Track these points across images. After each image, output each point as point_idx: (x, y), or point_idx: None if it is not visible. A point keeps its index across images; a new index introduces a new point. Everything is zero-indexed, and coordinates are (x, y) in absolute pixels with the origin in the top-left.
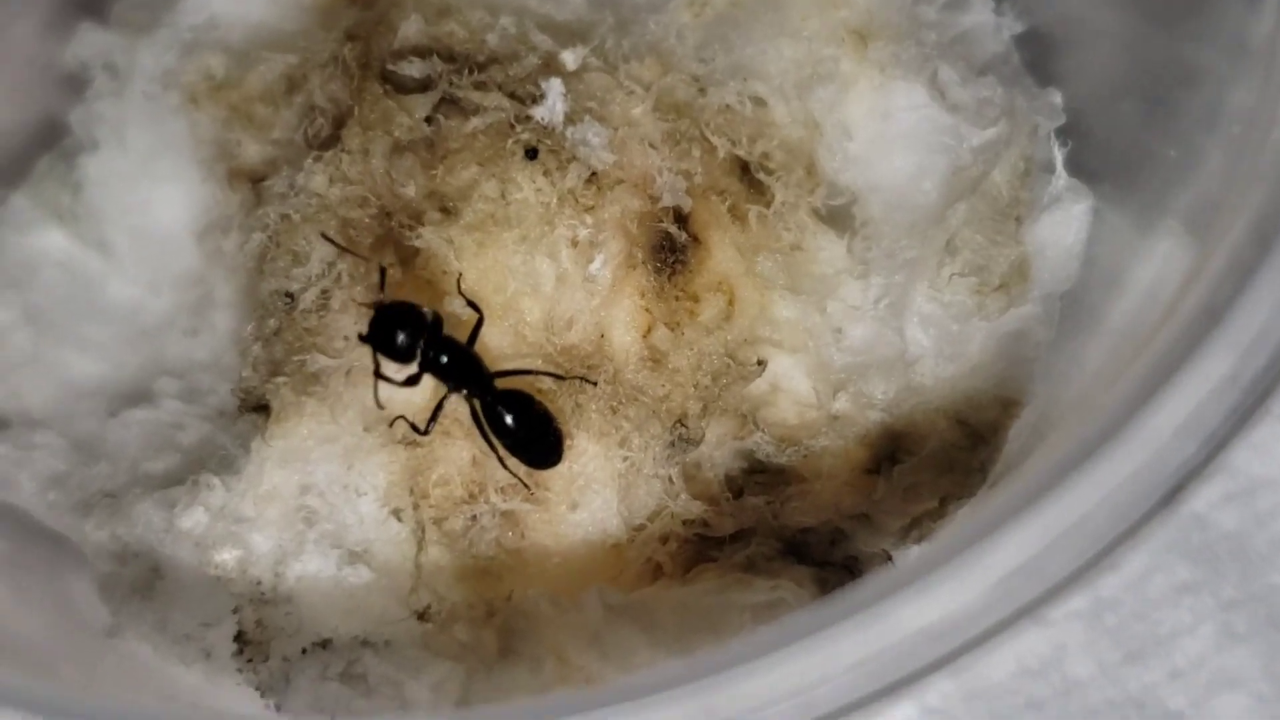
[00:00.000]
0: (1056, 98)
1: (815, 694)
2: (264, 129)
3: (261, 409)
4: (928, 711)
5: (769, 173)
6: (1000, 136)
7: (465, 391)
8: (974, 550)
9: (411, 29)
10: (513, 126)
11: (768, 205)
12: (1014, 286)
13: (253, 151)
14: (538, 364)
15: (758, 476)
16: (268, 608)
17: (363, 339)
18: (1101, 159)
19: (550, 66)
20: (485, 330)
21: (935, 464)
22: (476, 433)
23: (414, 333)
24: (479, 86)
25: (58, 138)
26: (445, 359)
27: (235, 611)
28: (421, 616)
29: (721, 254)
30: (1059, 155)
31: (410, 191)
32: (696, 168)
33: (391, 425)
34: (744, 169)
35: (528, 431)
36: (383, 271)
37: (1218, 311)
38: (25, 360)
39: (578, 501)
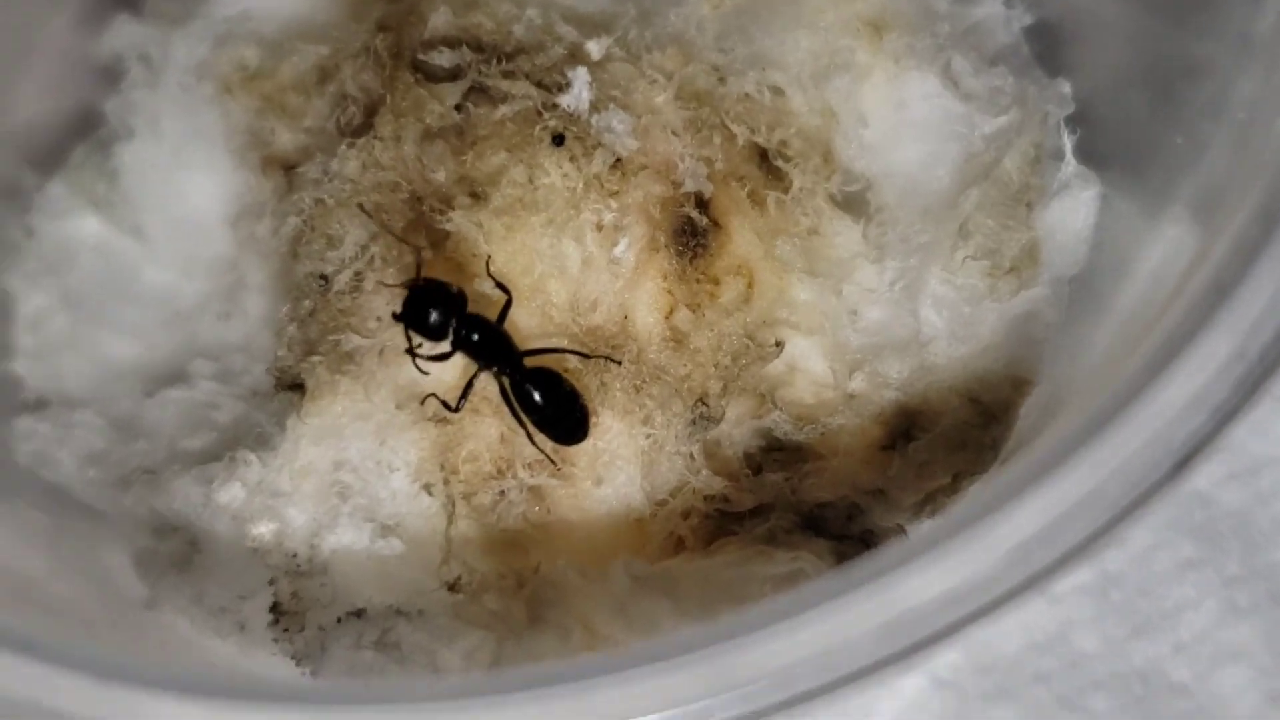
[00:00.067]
0: (1066, 87)
1: (831, 657)
2: (296, 118)
3: (297, 387)
4: (939, 684)
5: (787, 160)
6: (1011, 125)
7: (495, 369)
8: (987, 520)
9: (441, 20)
10: (540, 114)
11: (786, 191)
12: (1025, 270)
13: (286, 139)
14: (564, 343)
15: (776, 454)
16: (303, 579)
17: (396, 318)
18: (1109, 147)
19: (575, 56)
20: (513, 311)
21: (949, 441)
22: (505, 410)
23: (447, 311)
24: (507, 75)
25: (93, 127)
26: (477, 337)
27: (271, 583)
28: (452, 587)
29: (741, 238)
30: (1068, 143)
31: (441, 177)
32: (717, 154)
33: (423, 403)
34: (763, 156)
35: (556, 408)
36: (418, 253)
37: (1223, 291)
38: (64, 343)
39: (602, 477)
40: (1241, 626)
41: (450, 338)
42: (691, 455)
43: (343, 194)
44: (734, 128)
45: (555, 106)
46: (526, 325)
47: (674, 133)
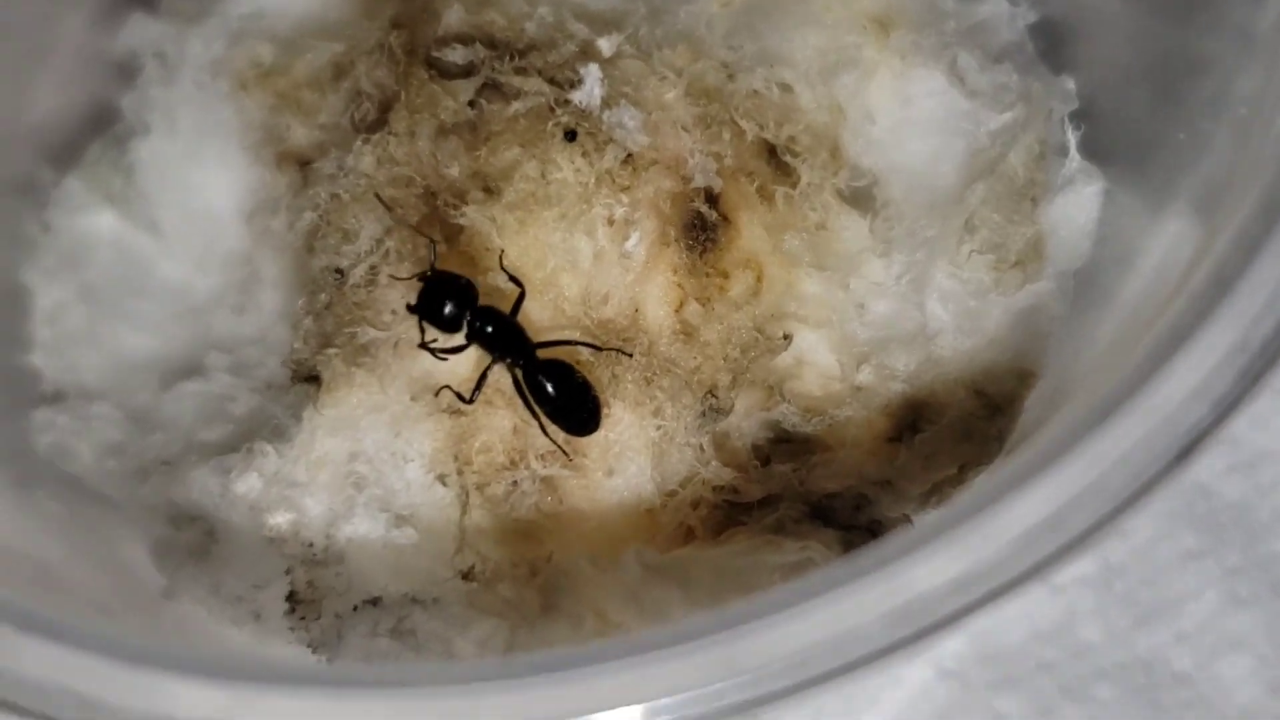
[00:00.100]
0: (1069, 84)
1: (840, 643)
2: (311, 114)
3: (313, 379)
4: (945, 674)
5: (795, 155)
6: (1016, 121)
7: (509, 361)
8: (992, 510)
9: (454, 17)
10: (552, 110)
11: (794, 186)
12: (1029, 264)
13: (300, 135)
14: (576, 336)
15: (784, 445)
16: (319, 568)
17: (411, 309)
18: (1113, 142)
19: (587, 53)
20: (526, 304)
21: (954, 432)
22: (518, 402)
23: (461, 303)
24: (520, 72)
25: (109, 124)
26: (491, 329)
27: (288, 572)
28: (466, 576)
29: (750, 233)
30: (1072, 139)
31: (455, 172)
32: (726, 150)
33: (437, 395)
34: (771, 152)
35: (568, 399)
36: (433, 245)
37: (1225, 285)
38: (81, 336)
39: (614, 468)
40: (1242, 616)
41: (464, 330)
42: (701, 446)
43: (358, 189)
44: (743, 124)
45: (567, 103)
46: (539, 318)
47: (684, 129)
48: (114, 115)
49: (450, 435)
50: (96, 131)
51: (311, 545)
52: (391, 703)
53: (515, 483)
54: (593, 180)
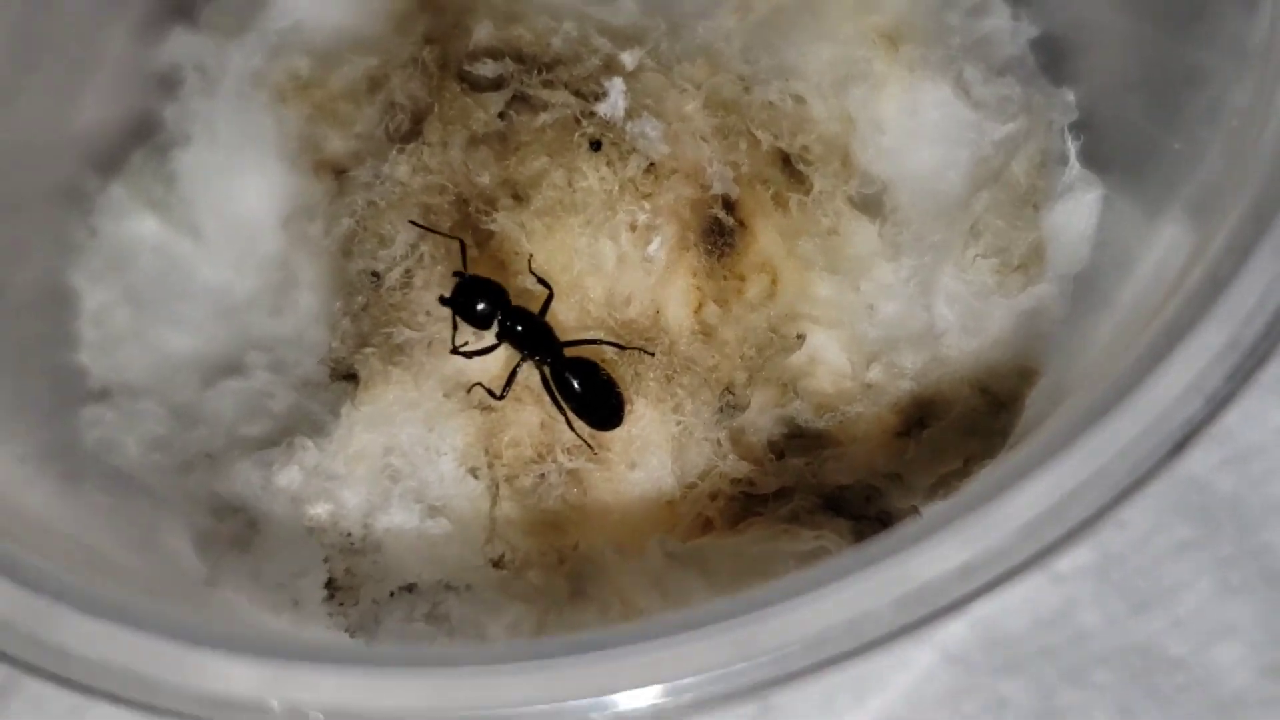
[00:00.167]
0: (1070, 96)
1: (852, 626)
2: (347, 125)
3: (350, 377)
4: (949, 659)
5: (808, 164)
6: (1019, 131)
7: (537, 359)
8: (997, 501)
9: (484, 33)
10: (578, 121)
11: (807, 193)
12: (1031, 267)
13: (337, 145)
14: (601, 336)
15: (798, 440)
16: (356, 557)
17: (444, 301)
18: (1111, 151)
19: (611, 67)
20: (554, 305)
21: (960, 428)
22: (545, 398)
23: (494, 303)
24: (547, 85)
25: (152, 133)
26: (521, 328)
27: (326, 561)
28: (496, 564)
29: (765, 238)
30: (1072, 148)
31: (485, 180)
32: (743, 159)
33: (469, 391)
34: (785, 160)
35: (593, 396)
36: (463, 245)
37: (1218, 286)
38: (126, 336)
39: (636, 461)
40: (1234, 604)
41: (495, 329)
42: (719, 441)
43: (393, 196)
44: (759, 134)
45: (592, 114)
46: (565, 319)
47: (703, 139)
48: (157, 125)
49: (481, 430)
50: (140, 141)
51: (349, 535)
52: (428, 680)
53: (543, 475)
54: (616, 188)
